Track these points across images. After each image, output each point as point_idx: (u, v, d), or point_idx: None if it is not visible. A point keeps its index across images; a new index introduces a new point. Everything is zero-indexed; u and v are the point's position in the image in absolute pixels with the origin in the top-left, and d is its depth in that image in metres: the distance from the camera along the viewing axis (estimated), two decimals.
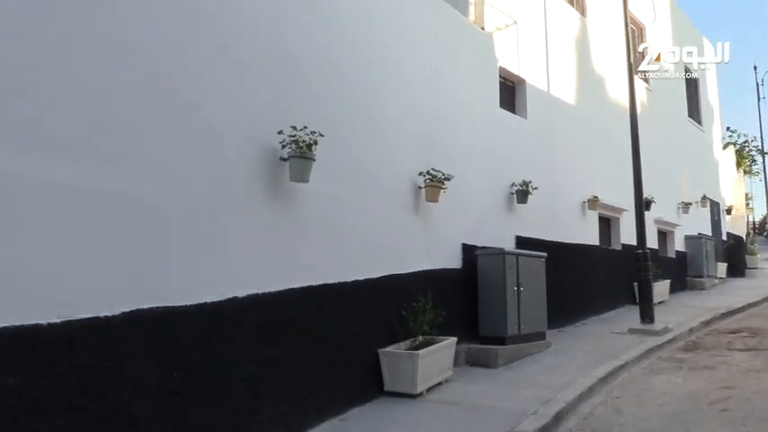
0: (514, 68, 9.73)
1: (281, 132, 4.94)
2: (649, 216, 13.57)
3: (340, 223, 5.80)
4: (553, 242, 10.05)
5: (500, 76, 9.51)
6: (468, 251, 7.95)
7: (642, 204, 9.83)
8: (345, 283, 5.75)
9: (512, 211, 9.16)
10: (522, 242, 9.20)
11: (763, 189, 32.94)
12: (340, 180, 5.83)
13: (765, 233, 33.48)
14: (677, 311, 11.47)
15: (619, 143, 11.63)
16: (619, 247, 12.34)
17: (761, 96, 24.60)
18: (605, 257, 11.75)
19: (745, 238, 23.95)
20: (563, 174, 10.67)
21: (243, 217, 4.72)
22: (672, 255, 15.23)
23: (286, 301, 5.01)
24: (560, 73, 10.93)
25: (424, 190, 7.07)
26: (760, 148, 28.87)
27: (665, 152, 14.99)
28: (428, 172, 7.01)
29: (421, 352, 5.93)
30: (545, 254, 8.45)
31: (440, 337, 6.57)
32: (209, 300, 4.28)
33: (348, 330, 5.76)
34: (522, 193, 9.09)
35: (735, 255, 19.47)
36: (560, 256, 10.22)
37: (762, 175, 29.66)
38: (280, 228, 5.08)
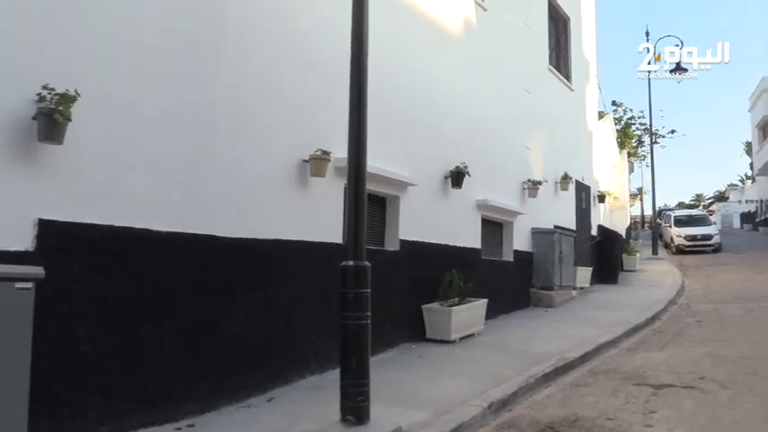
0: None
1: None
2: (465, 196, 8.69)
3: None
4: (203, 237, 4.81)
5: None
6: None
7: (362, 169, 4.62)
8: None
9: (25, 162, 3.80)
10: (67, 235, 3.87)
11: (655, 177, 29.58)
12: None
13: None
14: (473, 363, 6.59)
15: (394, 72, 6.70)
16: (395, 247, 7.31)
17: (651, 61, 20.57)
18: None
19: (624, 233, 20.03)
20: (253, 101, 5.45)
21: None
22: (508, 257, 10.44)
23: None
24: None
25: None
26: (648, 126, 25.09)
27: (501, 105, 10.16)
28: None
29: None
30: (40, 270, 3.13)
31: None
32: None
33: None
34: (48, 122, 3.72)
35: (607, 255, 15.17)
36: (231, 267, 5.03)
37: (649, 160, 26.10)
38: None
